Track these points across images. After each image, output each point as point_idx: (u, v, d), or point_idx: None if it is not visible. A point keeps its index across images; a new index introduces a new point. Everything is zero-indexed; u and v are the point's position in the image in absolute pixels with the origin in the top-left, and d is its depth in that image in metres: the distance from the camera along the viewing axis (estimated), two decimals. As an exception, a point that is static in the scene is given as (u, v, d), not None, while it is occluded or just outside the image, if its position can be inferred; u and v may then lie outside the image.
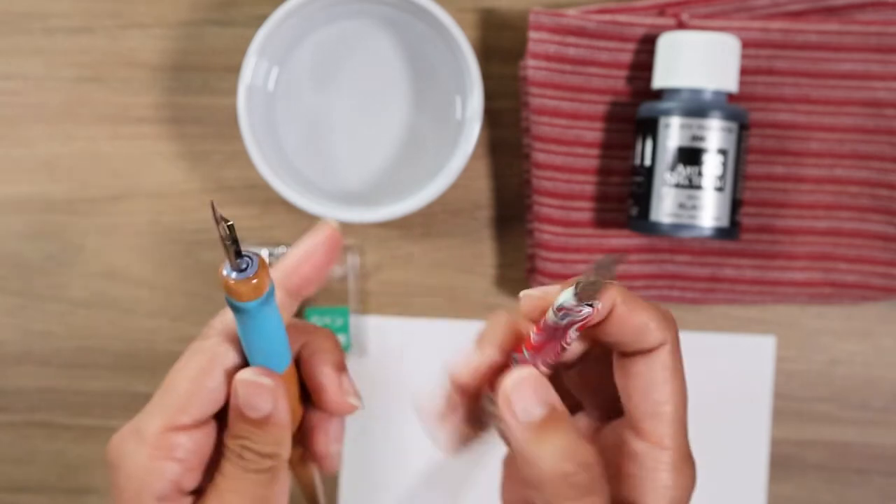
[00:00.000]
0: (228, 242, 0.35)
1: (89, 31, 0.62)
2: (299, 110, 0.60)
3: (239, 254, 0.35)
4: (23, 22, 0.62)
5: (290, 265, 0.41)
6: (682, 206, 0.56)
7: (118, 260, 0.63)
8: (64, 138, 0.62)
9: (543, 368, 0.37)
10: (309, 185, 0.59)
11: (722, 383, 0.62)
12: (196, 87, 0.62)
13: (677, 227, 0.56)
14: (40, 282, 0.63)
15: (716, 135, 0.55)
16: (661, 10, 0.59)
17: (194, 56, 0.62)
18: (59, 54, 0.62)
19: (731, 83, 0.56)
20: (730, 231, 0.56)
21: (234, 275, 0.35)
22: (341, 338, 0.61)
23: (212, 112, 0.62)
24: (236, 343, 0.39)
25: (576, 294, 0.34)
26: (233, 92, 0.59)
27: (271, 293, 0.36)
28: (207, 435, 0.39)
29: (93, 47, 0.62)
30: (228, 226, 0.34)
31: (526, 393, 0.36)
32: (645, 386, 0.37)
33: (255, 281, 0.35)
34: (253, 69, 0.57)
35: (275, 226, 0.62)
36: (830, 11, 0.58)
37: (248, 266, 0.36)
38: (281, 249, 0.61)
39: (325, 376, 0.41)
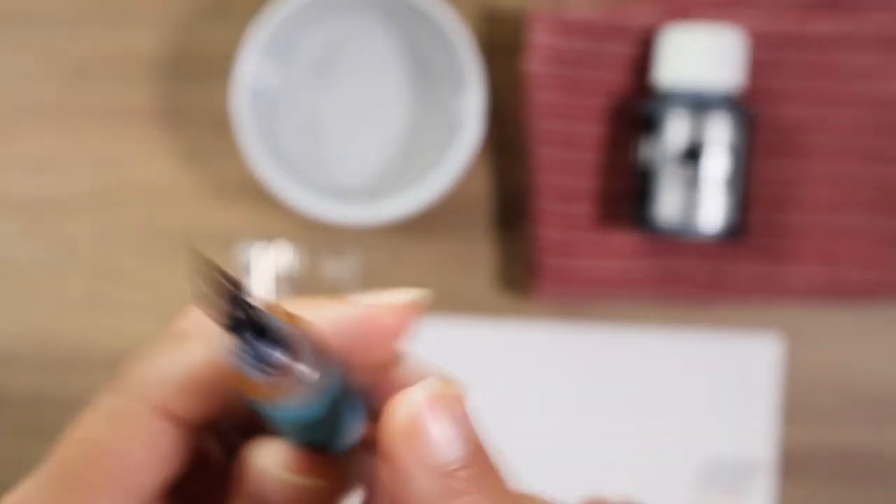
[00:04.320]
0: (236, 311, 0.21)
1: (83, 25, 0.61)
2: (297, 108, 0.60)
3: (259, 332, 0.21)
4: (15, 16, 0.61)
5: (343, 315, 0.27)
6: (685, 205, 0.55)
7: (113, 260, 0.62)
8: (57, 135, 0.62)
9: None
10: (307, 184, 0.58)
11: (728, 383, 0.61)
12: (193, 83, 0.61)
13: (680, 226, 0.55)
14: (34, 282, 0.62)
15: (720, 131, 0.55)
16: (664, 8, 0.58)
17: (191, 51, 0.61)
18: (52, 49, 0.61)
19: (735, 78, 0.55)
20: (734, 231, 0.56)
21: (257, 372, 0.21)
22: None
23: (209, 108, 0.61)
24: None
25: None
26: (230, 88, 0.58)
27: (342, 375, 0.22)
28: None
29: (87, 42, 0.61)
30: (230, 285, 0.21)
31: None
32: None
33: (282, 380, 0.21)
34: (250, 66, 0.57)
35: (272, 225, 0.61)
36: (839, 5, 0.58)
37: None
38: (279, 242, 0.61)
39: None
